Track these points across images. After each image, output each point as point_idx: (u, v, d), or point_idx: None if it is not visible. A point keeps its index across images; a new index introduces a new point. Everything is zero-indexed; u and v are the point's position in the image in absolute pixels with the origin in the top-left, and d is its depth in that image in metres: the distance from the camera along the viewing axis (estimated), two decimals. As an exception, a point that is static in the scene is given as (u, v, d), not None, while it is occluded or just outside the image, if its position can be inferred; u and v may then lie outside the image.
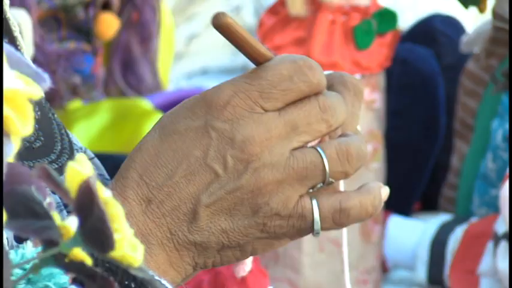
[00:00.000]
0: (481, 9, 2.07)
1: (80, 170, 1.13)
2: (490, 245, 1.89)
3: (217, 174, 1.67)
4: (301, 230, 1.78)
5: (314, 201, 1.73)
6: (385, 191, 1.81)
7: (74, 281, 1.36)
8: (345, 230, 1.89)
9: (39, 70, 1.19)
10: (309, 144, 1.76)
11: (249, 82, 1.71)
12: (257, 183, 1.67)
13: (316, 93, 1.74)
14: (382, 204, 1.84)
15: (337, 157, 1.72)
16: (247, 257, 1.89)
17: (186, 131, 1.68)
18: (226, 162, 1.66)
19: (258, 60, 1.79)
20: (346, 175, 1.77)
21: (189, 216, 1.67)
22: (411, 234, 1.88)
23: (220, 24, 1.72)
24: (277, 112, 1.70)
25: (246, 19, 2.68)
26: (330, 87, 1.80)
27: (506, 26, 2.03)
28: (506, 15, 2.01)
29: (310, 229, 1.77)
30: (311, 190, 1.75)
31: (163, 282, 1.40)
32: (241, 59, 2.40)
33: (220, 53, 2.31)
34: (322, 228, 1.76)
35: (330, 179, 1.73)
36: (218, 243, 1.73)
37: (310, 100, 1.73)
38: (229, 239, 1.74)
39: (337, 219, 1.76)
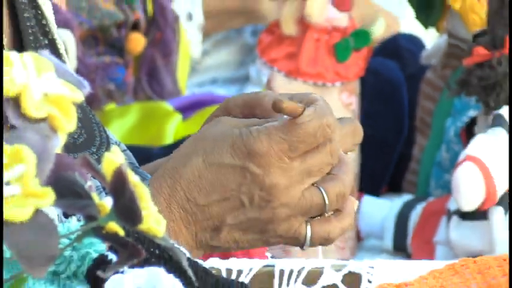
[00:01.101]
0: (438, 29, 2.21)
1: (115, 159, 1.29)
2: (443, 219, 1.98)
3: (243, 205, 1.92)
4: (293, 244, 2.04)
5: (308, 229, 1.96)
6: (356, 205, 2.08)
7: (110, 248, 1.50)
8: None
9: (81, 79, 1.33)
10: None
11: (282, 137, 1.93)
12: (272, 217, 1.91)
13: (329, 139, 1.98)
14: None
15: (336, 199, 1.97)
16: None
17: (227, 166, 1.91)
18: (253, 199, 1.91)
19: (291, 114, 1.96)
20: (338, 211, 2.02)
21: (213, 229, 1.89)
22: (380, 210, 1.97)
23: (278, 108, 1.86)
24: (299, 160, 1.95)
25: (246, 39, 3.07)
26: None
27: (459, 43, 2.16)
28: (458, 34, 2.18)
29: (300, 246, 2.01)
30: (308, 222, 1.99)
31: (182, 249, 1.45)
32: (244, 71, 2.56)
33: (226, 67, 2.37)
34: (310, 246, 2.01)
35: (327, 215, 1.99)
36: (229, 247, 1.96)
37: (325, 148, 1.98)
38: (237, 246, 1.97)
39: (323, 243, 2.00)
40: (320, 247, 1.99)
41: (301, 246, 1.99)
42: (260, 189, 1.92)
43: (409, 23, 2.18)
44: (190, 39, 2.56)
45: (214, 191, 1.91)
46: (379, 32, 2.53)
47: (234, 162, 1.91)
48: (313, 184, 1.97)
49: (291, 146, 1.92)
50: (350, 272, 1.65)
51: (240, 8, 2.80)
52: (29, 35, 1.98)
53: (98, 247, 1.53)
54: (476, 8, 1.96)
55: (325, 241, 1.98)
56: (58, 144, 1.33)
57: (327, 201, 1.95)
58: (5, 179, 1.27)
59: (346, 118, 1.97)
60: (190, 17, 2.57)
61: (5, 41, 1.92)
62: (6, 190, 1.26)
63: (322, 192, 1.95)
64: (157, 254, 1.51)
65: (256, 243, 1.99)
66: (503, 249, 1.78)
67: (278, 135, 1.92)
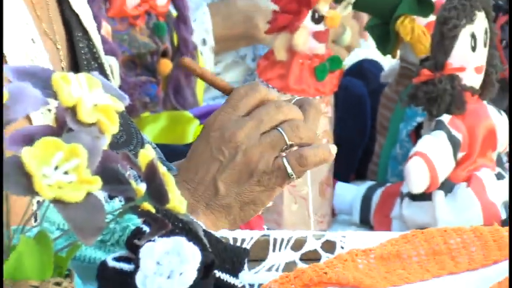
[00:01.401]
0: (393, 56, 2.21)
1: (148, 154, 1.30)
2: (398, 200, 1.97)
3: (221, 161, 1.91)
4: (283, 177, 1.98)
5: (284, 158, 1.94)
6: (333, 148, 2.02)
7: (144, 222, 1.50)
8: (310, 190, 2.05)
9: (122, 93, 1.35)
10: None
11: (225, 104, 1.96)
12: (246, 157, 1.91)
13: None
14: (332, 155, 2.02)
15: (290, 128, 1.95)
16: (260, 210, 2.02)
17: (200, 146, 1.94)
18: (224, 153, 1.91)
19: (225, 91, 2.03)
20: (300, 138, 1.99)
21: (214, 191, 1.88)
22: (350, 193, 1.95)
23: (182, 63, 1.97)
24: (247, 114, 1.94)
25: (248, 63, 3.02)
26: (301, 107, 2.03)
27: (409, 66, 2.24)
28: (409, 59, 2.23)
29: (287, 175, 1.97)
30: (284, 154, 1.98)
31: (199, 223, 1.58)
32: None
33: (233, 85, 2.40)
34: (295, 173, 1.97)
35: (289, 142, 1.96)
36: (236, 202, 1.91)
37: (267, 103, 1.99)
38: (242, 198, 1.92)
39: (301, 163, 1.96)
40: (312, 220, 1.96)
41: (290, 177, 1.96)
42: (224, 144, 1.93)
43: (372, 51, 2.18)
44: (205, 59, 2.57)
45: (199, 167, 1.93)
46: (348, 39, 2.52)
47: (201, 140, 1.96)
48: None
49: (233, 107, 1.95)
50: (327, 241, 1.64)
51: (243, 34, 2.79)
52: (83, 60, 1.97)
53: (135, 221, 1.54)
54: (423, 39, 1.95)
55: (303, 164, 1.97)
56: (104, 143, 1.32)
57: (283, 133, 1.95)
58: (64, 169, 1.26)
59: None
60: (204, 42, 2.58)
61: (64, 64, 1.91)
62: (65, 178, 1.26)
63: (279, 130, 1.96)
64: (180, 227, 1.52)
65: (254, 188, 1.95)
66: (443, 223, 1.78)
67: (223, 105, 1.96)
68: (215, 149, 1.94)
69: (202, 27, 2.64)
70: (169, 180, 1.35)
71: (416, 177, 1.94)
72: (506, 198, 1.94)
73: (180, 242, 1.48)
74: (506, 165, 1.99)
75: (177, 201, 1.37)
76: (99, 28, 2.07)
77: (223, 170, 1.93)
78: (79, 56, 1.94)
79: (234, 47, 2.61)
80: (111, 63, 2.03)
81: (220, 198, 1.91)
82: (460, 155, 1.90)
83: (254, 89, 1.99)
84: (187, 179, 1.95)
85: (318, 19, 1.95)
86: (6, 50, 1.72)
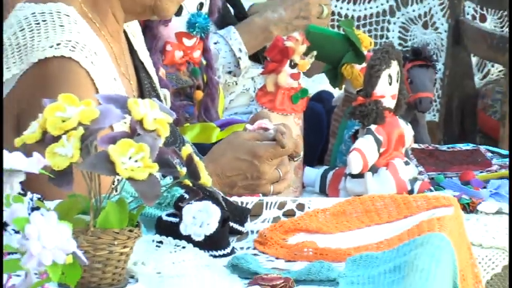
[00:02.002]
0: (340, 88, 2.15)
1: (187, 150, 1.31)
2: (343, 177, 1.95)
3: (247, 178, 1.81)
4: (264, 194, 1.89)
5: (271, 187, 1.87)
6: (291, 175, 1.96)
7: (185, 192, 1.45)
8: (293, 175, 2.00)
9: (171, 111, 1.35)
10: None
11: (270, 151, 1.82)
12: (259, 184, 1.84)
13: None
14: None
15: (284, 173, 1.88)
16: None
17: (242, 160, 1.81)
18: (252, 176, 1.80)
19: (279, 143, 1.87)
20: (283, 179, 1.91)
21: (231, 186, 1.81)
22: (313, 173, 1.86)
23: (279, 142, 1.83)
24: (272, 162, 1.83)
25: (250, 93, 2.75)
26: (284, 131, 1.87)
27: (350, 95, 2.14)
28: (350, 90, 2.15)
29: (267, 194, 1.86)
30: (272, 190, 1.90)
31: (219, 192, 1.50)
32: (250, 108, 2.67)
33: (242, 107, 2.29)
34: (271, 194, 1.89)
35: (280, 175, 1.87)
36: (238, 192, 1.81)
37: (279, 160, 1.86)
38: (241, 192, 1.82)
39: (278, 193, 1.88)
40: (290, 190, 1.95)
41: (268, 195, 1.86)
42: (257, 172, 1.82)
43: (326, 85, 2.15)
44: (243, 68, 2.53)
45: (234, 170, 1.82)
46: (326, 13, 2.54)
47: (246, 158, 1.82)
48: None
49: (272, 156, 1.83)
50: (299, 203, 1.62)
51: (263, 42, 2.66)
52: (146, 91, 1.94)
53: (179, 191, 1.51)
54: (358, 78, 1.97)
55: (278, 192, 1.88)
56: (160, 142, 1.31)
57: (281, 174, 1.87)
58: (135, 158, 1.25)
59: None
60: (238, 63, 2.50)
61: (134, 93, 1.88)
62: (135, 164, 1.24)
63: (278, 172, 1.87)
64: (207, 194, 1.46)
65: (250, 193, 1.84)
66: (372, 193, 1.79)
67: (268, 150, 1.83)
68: (250, 170, 1.85)
69: (236, 47, 2.54)
70: (200, 166, 1.35)
71: (354, 163, 1.90)
72: (412, 176, 1.91)
73: (207, 204, 1.47)
74: (411, 156, 1.96)
75: (205, 179, 1.36)
76: (157, 71, 2.07)
77: (244, 182, 1.85)
78: (144, 89, 1.93)
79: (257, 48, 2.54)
80: (165, 93, 2.05)
81: (230, 191, 1.83)
82: (381, 149, 1.90)
83: (284, 144, 1.84)
84: (217, 170, 1.86)
85: (293, 65, 1.94)
86: (98, 85, 1.68)
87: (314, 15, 2.46)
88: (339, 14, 3.09)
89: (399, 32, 3.15)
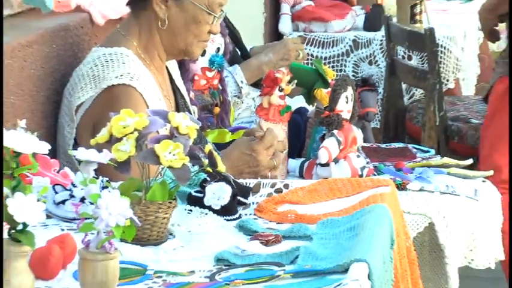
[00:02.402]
0: (313, 105, 2.09)
1: (209, 147, 1.32)
2: (315, 166, 1.81)
3: (250, 166, 1.73)
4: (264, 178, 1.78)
5: (269, 173, 1.80)
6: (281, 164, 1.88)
7: (207, 176, 1.45)
8: (281, 164, 1.91)
9: (198, 121, 1.34)
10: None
11: (262, 146, 1.76)
12: (258, 170, 1.74)
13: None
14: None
15: (278, 163, 1.82)
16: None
17: (246, 154, 1.73)
18: (253, 164, 1.72)
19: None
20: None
21: (239, 173, 1.68)
22: (295, 163, 1.95)
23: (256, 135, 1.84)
24: (267, 151, 1.76)
25: (252, 109, 2.61)
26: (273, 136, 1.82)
27: (320, 110, 2.03)
28: (319, 106, 2.04)
29: (265, 178, 1.77)
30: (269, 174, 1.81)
31: (231, 176, 1.50)
32: (252, 119, 2.42)
33: (246, 118, 2.27)
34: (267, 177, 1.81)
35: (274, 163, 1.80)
36: (244, 177, 1.67)
37: (272, 147, 1.79)
38: (246, 177, 1.68)
39: (273, 178, 1.77)
40: (278, 175, 1.87)
41: (265, 178, 1.76)
42: (256, 161, 1.74)
43: (303, 103, 2.12)
44: (244, 95, 2.52)
45: (241, 162, 1.74)
46: (302, 56, 2.48)
47: (247, 152, 1.75)
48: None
49: (263, 147, 1.75)
50: (285, 183, 1.59)
51: (260, 74, 2.63)
52: (180, 107, 1.91)
53: (203, 175, 1.46)
54: (325, 98, 1.94)
55: (274, 176, 1.81)
56: (190, 142, 1.29)
57: (275, 163, 1.80)
58: (173, 153, 1.24)
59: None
60: (240, 90, 2.49)
61: (173, 109, 1.82)
62: (173, 157, 1.24)
63: (274, 161, 1.81)
64: (222, 177, 1.44)
65: (253, 177, 1.73)
66: (335, 177, 1.73)
67: (260, 144, 1.76)
68: (251, 161, 1.78)
69: (239, 80, 2.49)
70: (218, 158, 1.36)
71: (322, 156, 1.83)
72: (362, 165, 1.84)
73: (222, 184, 1.45)
74: (361, 151, 1.91)
75: (221, 167, 1.36)
76: (188, 93, 2.06)
77: (248, 170, 1.78)
78: (179, 106, 1.93)
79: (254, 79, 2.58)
80: (194, 109, 2.03)
81: (239, 176, 1.71)
82: (341, 147, 1.87)
83: (273, 143, 1.83)
84: (228, 162, 1.71)
85: (280, 90, 1.93)
86: (148, 103, 1.67)
87: (293, 57, 2.45)
88: (312, 55, 3.10)
89: (352, 67, 3.16)
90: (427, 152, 2.02)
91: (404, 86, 3.00)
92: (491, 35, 2.47)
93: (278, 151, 1.86)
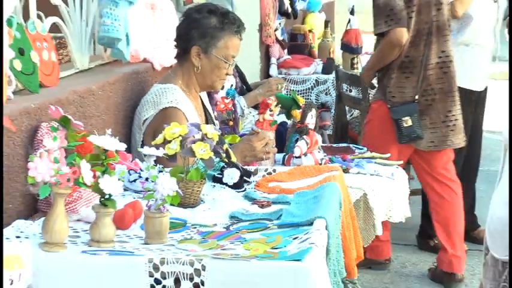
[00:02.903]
0: (290, 120, 1.86)
1: (226, 146, 1.27)
2: (292, 158, 1.75)
3: (250, 151, 1.54)
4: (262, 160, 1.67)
5: (264, 156, 1.63)
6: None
7: (225, 164, 1.37)
8: (272, 155, 1.73)
9: (219, 130, 1.33)
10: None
11: (257, 139, 1.59)
12: (256, 154, 1.56)
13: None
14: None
15: (270, 151, 1.64)
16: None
17: (246, 143, 1.55)
18: (250, 150, 1.54)
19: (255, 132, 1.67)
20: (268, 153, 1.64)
21: (243, 156, 1.53)
22: (280, 156, 1.78)
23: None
24: (262, 142, 1.59)
25: (252, 123, 2.15)
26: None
27: (295, 122, 1.84)
28: (296, 121, 1.84)
29: (261, 160, 1.62)
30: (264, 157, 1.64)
31: (240, 164, 1.42)
32: (252, 129, 2.30)
33: (249, 129, 1.96)
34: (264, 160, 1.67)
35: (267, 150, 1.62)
36: (246, 159, 1.56)
37: (266, 140, 1.60)
38: (248, 162, 1.56)
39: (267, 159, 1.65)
40: (269, 163, 1.72)
41: (262, 160, 1.65)
42: (253, 149, 1.58)
43: (284, 118, 2.04)
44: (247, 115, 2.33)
45: (244, 149, 1.57)
46: (281, 88, 2.30)
47: (247, 142, 1.58)
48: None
49: (260, 140, 1.60)
50: (273, 169, 1.53)
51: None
52: (208, 120, 1.81)
53: (222, 164, 1.40)
54: (298, 115, 1.82)
55: (267, 158, 1.66)
56: (214, 143, 1.24)
57: (267, 150, 1.64)
58: (204, 150, 1.20)
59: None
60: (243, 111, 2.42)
61: (203, 122, 1.69)
62: (204, 152, 1.20)
63: (265, 148, 1.64)
64: (234, 165, 1.37)
65: (253, 161, 1.60)
66: (304, 164, 1.64)
67: (255, 138, 1.61)
68: (249, 149, 1.60)
69: (242, 105, 2.29)
70: (231, 153, 1.34)
71: (297, 152, 1.72)
72: (321, 157, 1.75)
73: (234, 169, 1.40)
74: (320, 149, 1.80)
75: (233, 159, 1.35)
76: (213, 113, 2.00)
77: (249, 154, 1.59)
78: (208, 120, 1.83)
79: (253, 104, 2.30)
80: (216, 122, 1.88)
81: (244, 160, 1.56)
82: (308, 146, 1.76)
83: (266, 138, 1.65)
84: (236, 150, 1.58)
85: (271, 111, 1.86)
86: (188, 118, 1.59)
87: (274, 90, 2.36)
88: (290, 89, 3.05)
89: (315, 96, 3.13)
90: (362, 149, 1.96)
91: (347, 108, 2.99)
92: (370, 85, 2.35)
93: (269, 146, 1.75)
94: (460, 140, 1.93)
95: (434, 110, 1.88)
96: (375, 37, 1.99)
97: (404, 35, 1.78)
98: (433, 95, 1.88)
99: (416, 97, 1.87)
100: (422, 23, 1.80)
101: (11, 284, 0.74)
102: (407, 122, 1.86)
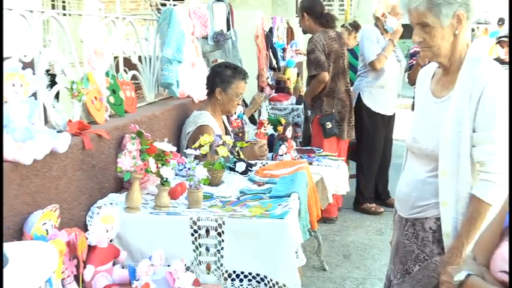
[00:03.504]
0: (277, 132, 1.75)
1: (237, 148, 1.17)
2: (278, 156, 1.62)
3: (250, 152, 1.37)
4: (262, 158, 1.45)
5: (263, 155, 1.41)
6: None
7: (236, 159, 1.29)
8: (266, 153, 1.55)
9: (233, 138, 1.21)
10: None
11: (259, 145, 1.40)
12: (260, 155, 1.38)
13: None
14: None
15: (266, 149, 1.46)
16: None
17: (248, 147, 1.35)
18: (251, 152, 1.35)
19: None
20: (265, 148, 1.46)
21: (248, 157, 1.36)
22: (270, 154, 1.62)
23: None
24: (261, 147, 1.39)
25: (253, 135, 1.82)
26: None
27: (279, 135, 1.77)
28: (280, 134, 1.61)
29: (263, 158, 1.43)
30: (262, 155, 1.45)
31: (246, 160, 1.32)
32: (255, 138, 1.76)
33: (252, 139, 1.75)
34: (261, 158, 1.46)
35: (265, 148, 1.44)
36: (250, 158, 1.39)
37: (264, 144, 1.42)
38: (251, 157, 1.40)
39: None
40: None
41: (259, 158, 1.44)
42: (253, 150, 1.41)
43: (271, 131, 1.77)
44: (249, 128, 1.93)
45: (249, 152, 1.41)
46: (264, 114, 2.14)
47: (251, 148, 1.41)
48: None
49: (258, 145, 1.45)
50: (266, 162, 1.40)
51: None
52: (227, 133, 1.62)
53: (235, 159, 1.31)
54: (281, 129, 1.72)
55: (262, 157, 1.44)
56: (230, 147, 1.19)
57: (262, 153, 1.46)
58: (224, 150, 1.15)
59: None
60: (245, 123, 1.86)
61: (223, 133, 1.57)
62: (223, 152, 1.14)
63: (261, 150, 1.51)
64: (242, 160, 1.30)
65: (254, 158, 1.40)
66: (285, 160, 1.54)
67: (257, 145, 1.45)
68: (252, 151, 1.40)
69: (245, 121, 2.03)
70: (241, 153, 1.30)
71: (280, 151, 1.65)
72: (295, 155, 1.66)
73: (242, 162, 1.35)
74: (295, 150, 1.70)
75: (242, 156, 1.30)
76: (229, 128, 1.85)
77: (251, 154, 1.41)
78: (227, 133, 1.67)
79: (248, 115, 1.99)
80: (232, 134, 1.70)
81: (248, 157, 1.44)
82: (287, 149, 1.68)
83: (260, 144, 1.42)
84: (245, 152, 1.49)
85: (264, 127, 1.77)
86: (215, 131, 1.47)
87: (259, 103, 2.05)
88: (275, 114, 2.84)
89: (291, 118, 2.97)
90: (319, 150, 1.93)
91: (310, 125, 2.93)
92: (310, 105, 2.27)
93: (264, 149, 1.66)
94: (354, 135, 2.02)
95: (345, 117, 1.97)
96: (308, 77, 2.00)
97: (326, 76, 1.89)
98: (343, 109, 1.97)
99: (333, 110, 1.96)
100: (336, 68, 1.91)
101: (107, 232, 0.81)
102: (329, 125, 1.95)
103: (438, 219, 0.70)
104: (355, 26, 2.54)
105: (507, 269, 0.42)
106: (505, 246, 0.42)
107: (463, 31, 0.69)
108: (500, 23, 2.98)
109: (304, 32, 2.04)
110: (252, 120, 2.20)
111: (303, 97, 2.24)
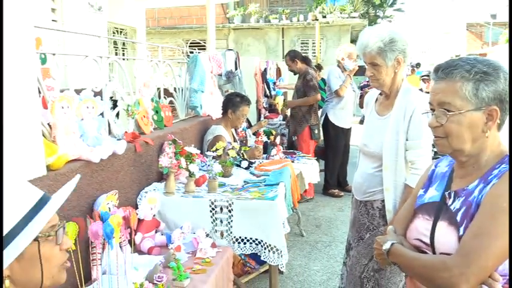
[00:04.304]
0: (270, 140, 1.65)
1: (242, 151, 1.16)
2: (271, 156, 1.57)
3: (251, 154, 1.34)
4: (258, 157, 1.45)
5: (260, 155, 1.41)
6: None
7: (241, 158, 1.24)
8: (261, 156, 1.54)
9: (239, 144, 1.17)
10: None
11: (258, 150, 1.36)
12: (259, 155, 1.35)
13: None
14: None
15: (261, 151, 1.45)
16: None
17: (252, 149, 1.28)
18: (252, 154, 1.32)
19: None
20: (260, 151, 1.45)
21: (249, 157, 1.33)
22: (264, 155, 1.61)
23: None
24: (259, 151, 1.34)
25: (252, 143, 1.73)
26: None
27: (271, 142, 1.67)
28: (272, 142, 1.62)
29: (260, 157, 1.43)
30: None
31: (248, 159, 1.29)
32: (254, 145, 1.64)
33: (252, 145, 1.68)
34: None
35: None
36: (251, 158, 1.36)
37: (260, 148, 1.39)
38: (251, 157, 1.35)
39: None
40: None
41: (257, 158, 1.46)
42: (253, 153, 1.37)
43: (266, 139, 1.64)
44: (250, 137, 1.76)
45: (250, 154, 1.39)
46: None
47: (251, 151, 1.40)
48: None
49: (256, 150, 1.45)
50: (261, 161, 1.40)
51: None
52: (235, 141, 1.62)
53: (240, 158, 1.34)
54: (273, 138, 1.70)
55: (259, 157, 1.43)
56: (237, 150, 1.20)
57: (259, 153, 1.45)
58: (233, 153, 1.15)
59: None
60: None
61: (232, 141, 1.51)
62: (233, 154, 1.15)
63: (258, 152, 1.49)
64: (245, 159, 1.22)
65: (254, 158, 1.39)
66: (276, 159, 1.49)
67: (256, 150, 1.45)
68: (252, 154, 1.43)
69: (249, 135, 1.93)
70: (245, 154, 1.34)
71: (271, 154, 1.58)
72: (283, 157, 1.62)
73: (245, 161, 1.34)
74: (282, 153, 1.69)
75: (245, 157, 1.29)
76: (237, 137, 1.75)
77: (252, 155, 1.44)
78: (235, 141, 1.59)
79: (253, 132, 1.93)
80: (238, 142, 1.62)
81: (249, 157, 1.42)
82: (276, 151, 1.59)
83: (258, 149, 1.41)
84: (247, 155, 1.44)
85: (261, 136, 1.67)
86: (226, 140, 1.42)
87: (263, 125, 2.17)
88: (268, 128, 2.42)
89: (280, 130, 2.65)
90: (300, 153, 1.94)
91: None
92: (283, 110, 2.40)
93: (260, 151, 1.61)
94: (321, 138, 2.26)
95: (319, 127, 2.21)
96: (301, 95, 2.17)
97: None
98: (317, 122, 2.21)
99: (316, 122, 2.22)
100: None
101: (151, 209, 0.91)
102: (316, 131, 2.19)
103: (383, 201, 0.86)
104: (319, 67, 3.06)
105: (419, 237, 0.47)
106: (417, 220, 0.47)
107: (401, 70, 0.83)
108: (418, 66, 3.69)
109: (295, 73, 2.28)
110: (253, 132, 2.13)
111: (288, 103, 2.41)
